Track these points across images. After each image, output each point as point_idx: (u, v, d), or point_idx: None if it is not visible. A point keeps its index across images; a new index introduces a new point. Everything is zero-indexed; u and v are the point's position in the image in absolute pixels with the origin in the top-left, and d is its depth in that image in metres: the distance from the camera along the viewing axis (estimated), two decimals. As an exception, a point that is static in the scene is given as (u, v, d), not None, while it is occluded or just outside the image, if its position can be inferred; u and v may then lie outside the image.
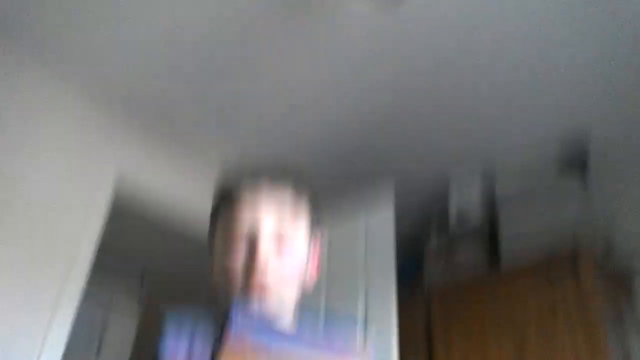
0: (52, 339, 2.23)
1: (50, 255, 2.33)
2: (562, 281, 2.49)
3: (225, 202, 0.96)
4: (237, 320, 0.60)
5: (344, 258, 2.68)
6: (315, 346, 0.57)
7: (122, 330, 4.45)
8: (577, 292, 2.42)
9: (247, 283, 0.88)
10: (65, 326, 2.29)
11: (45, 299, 2.26)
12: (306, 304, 1.03)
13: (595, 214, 2.76)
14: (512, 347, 2.51)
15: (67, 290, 2.34)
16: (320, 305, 2.58)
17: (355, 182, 3.15)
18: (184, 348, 0.93)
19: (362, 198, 2.85)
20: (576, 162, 2.86)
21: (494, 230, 2.92)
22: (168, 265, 4.26)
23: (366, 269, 2.67)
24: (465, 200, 3.07)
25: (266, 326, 0.60)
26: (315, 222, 1.00)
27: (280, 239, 0.91)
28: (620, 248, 2.74)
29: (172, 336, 0.96)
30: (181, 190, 2.93)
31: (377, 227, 2.73)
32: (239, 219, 0.92)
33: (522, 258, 2.66)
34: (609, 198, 2.89)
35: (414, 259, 3.19)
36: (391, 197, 2.78)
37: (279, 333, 0.60)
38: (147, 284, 4.63)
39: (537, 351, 2.42)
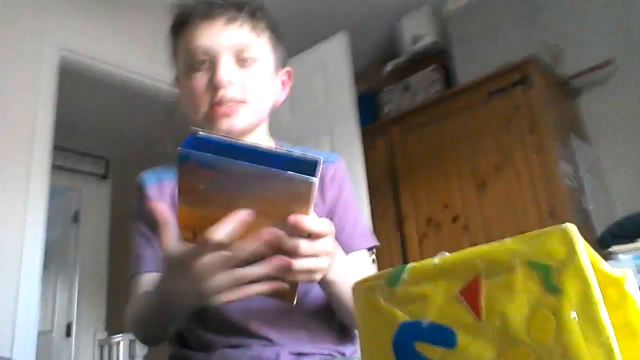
0: (33, 210, 2.29)
1: (12, 135, 2.30)
2: (514, 90, 2.59)
3: (182, 25, 0.94)
4: (189, 143, 0.52)
5: (304, 97, 2.71)
6: (269, 157, 0.53)
7: (97, 199, 4.53)
8: (528, 100, 2.54)
9: (212, 100, 0.89)
10: (41, 201, 2.34)
11: (18, 176, 2.27)
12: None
13: (547, 27, 2.81)
14: (470, 163, 2.68)
15: (35, 167, 2.35)
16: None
17: (309, 22, 3.07)
18: (168, 193, 0.98)
19: (318, 36, 2.81)
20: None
21: (449, 54, 2.95)
22: (128, 128, 4.24)
23: (327, 106, 2.72)
24: (418, 28, 3.04)
25: (220, 142, 0.53)
26: (279, 44, 0.98)
27: (241, 52, 0.90)
28: (570, 59, 2.83)
29: (153, 185, 1.00)
30: (127, 50, 2.81)
31: (334, 61, 2.73)
32: (197, 37, 0.91)
33: (478, 79, 2.72)
34: (561, 10, 2.92)
35: (372, 90, 3.23)
36: (345, 38, 2.76)
37: (230, 146, 0.53)
38: (113, 150, 4.63)
39: (493, 161, 2.60)
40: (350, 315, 0.86)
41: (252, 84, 0.91)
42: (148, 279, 0.92)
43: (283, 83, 1.02)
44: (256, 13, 0.93)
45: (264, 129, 1.02)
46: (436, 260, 0.44)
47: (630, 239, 1.88)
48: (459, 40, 2.87)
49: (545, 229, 0.42)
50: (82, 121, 4.13)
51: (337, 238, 0.88)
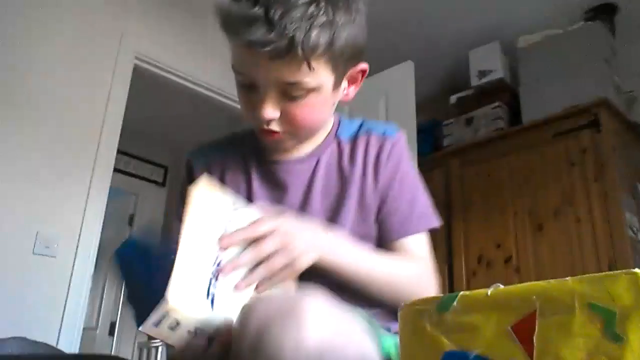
0: (92, 210, 2.36)
1: (79, 135, 2.40)
2: (582, 133, 2.50)
3: (225, 32, 0.82)
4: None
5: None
6: None
7: (152, 205, 4.65)
8: (596, 144, 2.44)
9: (257, 131, 0.90)
10: (101, 201, 2.41)
11: (81, 175, 2.36)
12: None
13: (619, 65, 2.70)
14: (528, 203, 2.59)
15: (99, 169, 2.43)
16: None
17: (376, 50, 3.07)
18: (217, 176, 0.99)
19: (384, 65, 2.82)
20: (603, 7, 2.74)
21: (516, 90, 2.89)
22: (190, 138, 4.35)
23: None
24: (486, 62, 2.99)
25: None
26: (342, 57, 0.83)
27: (288, 87, 0.81)
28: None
29: (201, 169, 1.01)
30: (199, 63, 2.90)
31: (398, 88, 2.72)
32: (240, 60, 0.83)
33: (544, 118, 2.64)
34: (637, 55, 2.82)
35: (434, 121, 3.19)
36: (411, 67, 2.76)
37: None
38: (172, 158, 4.76)
39: (553, 204, 2.51)
40: (383, 295, 0.87)
41: (301, 116, 0.85)
42: None
43: (353, 81, 0.93)
44: (311, 43, 0.76)
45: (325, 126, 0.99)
46: (489, 291, 0.42)
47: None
48: (527, 78, 2.80)
49: (611, 272, 0.39)
50: (146, 127, 4.27)
51: (390, 220, 0.93)
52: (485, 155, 2.83)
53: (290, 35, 0.74)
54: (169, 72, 2.78)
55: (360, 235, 0.91)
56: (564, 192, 2.49)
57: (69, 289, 2.23)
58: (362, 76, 0.93)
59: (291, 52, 0.76)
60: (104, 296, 4.48)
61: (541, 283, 0.41)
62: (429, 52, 3.12)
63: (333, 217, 0.92)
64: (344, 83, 0.91)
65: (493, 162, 2.78)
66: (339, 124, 1.01)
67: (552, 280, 0.40)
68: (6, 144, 2.17)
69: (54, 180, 2.28)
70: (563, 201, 2.48)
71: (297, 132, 0.88)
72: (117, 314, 4.35)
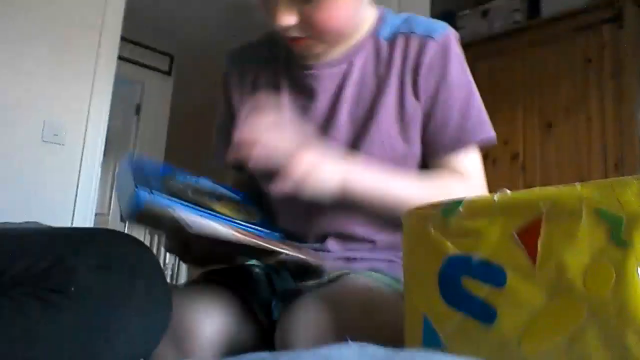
0: (97, 98, 2.35)
1: (82, 22, 2.33)
2: (602, 28, 2.39)
3: None
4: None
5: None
6: None
7: (159, 94, 4.61)
8: (616, 40, 2.34)
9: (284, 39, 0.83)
10: (106, 90, 2.39)
11: (85, 63, 2.33)
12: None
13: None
14: (539, 101, 2.54)
15: (103, 56, 2.38)
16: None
17: None
18: (248, 87, 0.95)
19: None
20: None
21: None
22: (196, 27, 4.22)
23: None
24: None
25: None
26: None
27: None
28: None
29: (235, 73, 0.98)
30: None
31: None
32: None
33: (564, 12, 2.50)
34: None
35: (449, 11, 3.05)
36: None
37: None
38: (179, 47, 4.65)
39: (564, 101, 2.46)
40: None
41: (322, 19, 0.78)
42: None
43: None
44: None
45: (360, 24, 0.88)
46: (496, 197, 0.42)
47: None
48: None
49: (621, 178, 0.38)
50: (152, 15, 4.13)
51: (438, 135, 0.83)
52: (499, 50, 2.72)
53: None
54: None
55: (401, 154, 0.84)
56: (577, 90, 2.43)
57: (79, 175, 2.27)
58: None
59: None
60: (114, 183, 4.58)
61: (549, 189, 0.40)
62: None
63: (363, 129, 0.84)
64: None
65: (507, 57, 2.69)
66: (381, 21, 0.89)
67: (560, 186, 0.40)
68: (9, 34, 2.12)
69: (59, 68, 2.24)
70: (575, 99, 2.42)
71: (322, 36, 0.81)
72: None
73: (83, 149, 2.29)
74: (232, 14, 3.85)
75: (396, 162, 0.83)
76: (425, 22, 0.87)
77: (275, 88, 0.92)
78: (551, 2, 2.58)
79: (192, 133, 4.72)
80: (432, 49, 0.83)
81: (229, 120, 0.95)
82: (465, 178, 0.84)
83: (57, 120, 2.22)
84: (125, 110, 4.53)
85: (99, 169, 2.36)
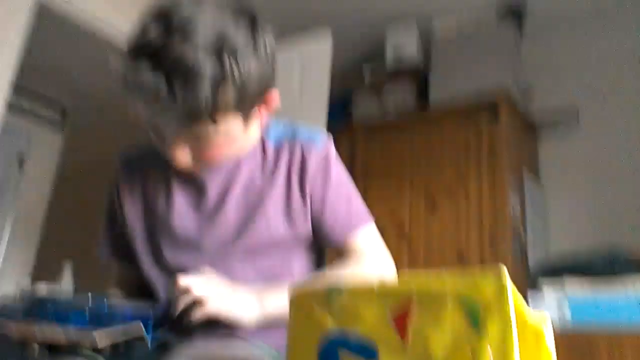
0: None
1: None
2: (480, 117, 2.67)
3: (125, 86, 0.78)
4: None
5: (279, 84, 2.70)
6: None
7: (47, 147, 4.39)
8: (491, 129, 2.62)
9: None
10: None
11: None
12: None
13: (522, 66, 2.90)
14: (425, 180, 2.75)
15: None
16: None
17: (293, 21, 3.04)
18: (138, 188, 1.01)
19: (300, 34, 2.81)
20: (514, 13, 2.90)
21: (427, 72, 2.99)
22: (90, 79, 4.12)
23: (301, 97, 2.72)
24: (402, 41, 3.07)
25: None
26: (249, 90, 0.79)
27: (196, 140, 0.82)
28: (540, 102, 2.93)
29: (126, 177, 1.03)
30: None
31: (313, 60, 2.73)
32: (142, 114, 0.81)
33: (449, 101, 2.79)
34: (538, 54, 3.01)
35: (346, 98, 3.23)
36: (328, 35, 2.76)
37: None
38: (70, 102, 4.48)
39: (447, 181, 2.67)
40: None
41: (212, 154, 0.86)
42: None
43: (265, 105, 0.88)
44: (219, 107, 0.76)
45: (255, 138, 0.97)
46: (375, 285, 0.47)
47: (558, 275, 1.99)
48: (438, 61, 2.93)
49: (483, 269, 0.45)
50: (44, 63, 3.98)
51: (332, 229, 0.96)
52: (390, 132, 2.95)
53: (197, 106, 0.74)
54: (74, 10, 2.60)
55: (285, 236, 0.94)
56: (458, 171, 2.66)
57: None
58: (274, 98, 0.89)
59: (198, 119, 0.77)
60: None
61: (421, 276, 0.46)
62: (346, 21, 3.14)
63: (250, 216, 0.93)
64: (255, 111, 0.87)
65: (396, 137, 2.91)
66: (266, 127, 0.99)
67: (431, 273, 0.46)
68: None
69: None
70: (456, 180, 2.65)
71: (211, 165, 0.91)
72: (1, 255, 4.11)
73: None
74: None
75: (281, 243, 0.95)
76: (307, 131, 0.99)
77: (167, 184, 0.98)
78: (439, 91, 2.85)
79: (80, 191, 4.52)
80: (315, 157, 0.95)
81: (115, 215, 1.03)
82: (359, 258, 0.97)
83: None
84: (8, 160, 4.25)
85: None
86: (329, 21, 2.94)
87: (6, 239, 4.14)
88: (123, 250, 1.02)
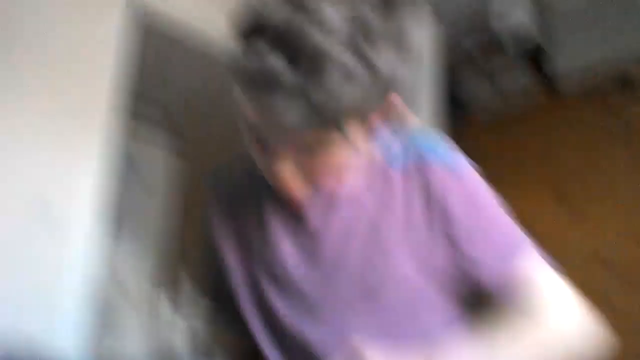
0: (99, 175, 2.26)
1: (82, 93, 2.23)
2: (620, 107, 2.33)
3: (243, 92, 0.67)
4: None
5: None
6: None
7: (168, 172, 4.57)
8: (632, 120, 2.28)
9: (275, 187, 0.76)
10: (107, 162, 2.30)
11: (85, 138, 2.21)
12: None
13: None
14: (553, 185, 2.47)
15: (96, 120, 2.21)
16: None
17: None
18: (231, 218, 0.89)
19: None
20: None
21: (543, 44, 2.64)
22: (208, 102, 4.23)
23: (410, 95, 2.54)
24: (514, 15, 2.62)
25: None
26: (373, 97, 0.65)
27: (306, 147, 0.67)
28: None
29: (217, 205, 0.91)
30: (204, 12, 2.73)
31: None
32: (253, 118, 0.68)
33: (579, 82, 2.45)
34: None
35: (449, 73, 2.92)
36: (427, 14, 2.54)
37: None
38: (187, 127, 4.64)
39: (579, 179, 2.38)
40: None
41: (321, 170, 0.71)
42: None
43: (384, 112, 0.71)
44: (350, 110, 0.62)
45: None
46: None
47: None
48: (558, 30, 2.54)
49: None
50: (161, 93, 4.15)
51: (481, 261, 0.76)
52: (512, 123, 2.69)
53: (323, 99, 0.59)
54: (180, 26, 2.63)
55: (425, 283, 0.77)
56: (595, 163, 2.36)
57: (70, 257, 2.12)
58: (395, 104, 0.73)
59: (320, 117, 0.61)
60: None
61: None
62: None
63: (372, 258, 0.77)
64: (372, 117, 0.72)
65: (520, 130, 2.65)
66: (383, 145, 0.82)
67: None
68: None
69: (56, 141, 2.10)
70: (593, 172, 2.36)
71: (320, 186, 0.75)
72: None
73: (81, 227, 2.16)
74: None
75: (413, 293, 0.77)
76: (433, 147, 0.81)
77: (262, 215, 0.85)
78: (561, 65, 2.50)
79: (195, 207, 4.64)
80: (453, 181, 0.77)
81: (211, 250, 0.91)
82: (529, 309, 0.73)
83: (44, 196, 2.07)
84: (136, 188, 4.49)
85: (90, 250, 2.23)
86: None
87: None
88: (222, 291, 0.90)
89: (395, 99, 0.71)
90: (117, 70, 2.32)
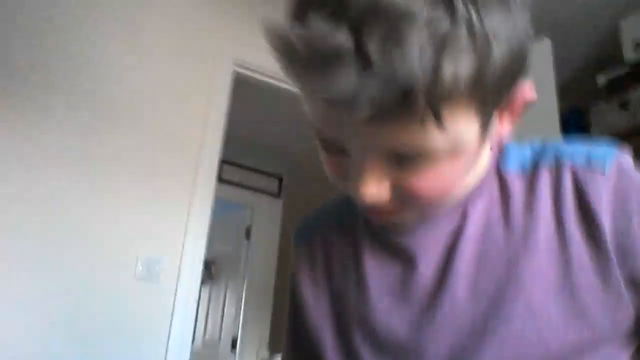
0: (194, 229, 2.21)
1: (179, 149, 2.26)
2: None
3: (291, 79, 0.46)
4: None
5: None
6: None
7: (269, 216, 4.54)
8: None
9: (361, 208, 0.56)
10: (204, 215, 2.26)
11: (182, 193, 2.22)
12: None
13: None
14: None
15: (201, 181, 2.28)
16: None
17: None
18: (321, 270, 0.70)
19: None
20: None
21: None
22: (301, 145, 4.17)
23: (527, 121, 2.28)
24: None
25: None
26: (502, 75, 0.42)
27: (398, 149, 0.45)
28: None
29: (304, 258, 0.73)
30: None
31: (535, 70, 2.29)
32: (317, 116, 0.48)
33: None
34: None
35: (578, 109, 2.69)
36: (548, 41, 2.30)
37: None
38: (286, 167, 4.62)
39: None
40: None
41: (424, 188, 0.49)
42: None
43: (512, 106, 0.52)
44: (442, 86, 0.39)
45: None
46: None
47: None
48: None
49: None
50: (256, 136, 4.17)
51: None
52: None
53: (404, 78, 0.38)
54: (270, 76, 2.59)
55: (572, 343, 0.50)
56: None
57: (172, 314, 2.08)
58: (523, 103, 0.52)
59: (406, 108, 0.40)
60: (225, 310, 4.43)
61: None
62: (568, 27, 2.62)
63: (497, 309, 0.52)
64: (495, 123, 0.51)
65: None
66: (502, 153, 0.61)
67: None
68: (97, 160, 2.08)
69: (153, 199, 2.15)
70: None
71: (418, 205, 0.52)
72: (239, 328, 4.26)
73: (177, 284, 2.11)
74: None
75: (562, 350, 0.49)
76: (578, 148, 0.57)
77: (354, 258, 0.65)
78: None
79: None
80: (607, 183, 0.53)
81: (297, 310, 0.71)
82: None
83: (151, 254, 2.09)
84: (236, 234, 4.49)
85: (194, 305, 2.16)
86: (546, 29, 2.46)
87: (242, 311, 4.29)
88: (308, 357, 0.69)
89: (527, 89, 0.50)
90: (213, 128, 2.37)
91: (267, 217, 4.53)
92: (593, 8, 2.55)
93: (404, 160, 0.46)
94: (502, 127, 0.53)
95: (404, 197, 0.50)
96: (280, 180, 4.64)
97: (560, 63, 2.31)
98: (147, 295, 2.05)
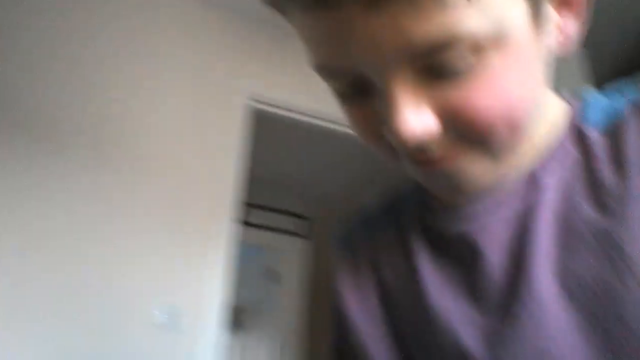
0: (214, 275, 2.11)
1: (195, 191, 2.19)
2: None
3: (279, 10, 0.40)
4: None
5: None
6: None
7: (297, 259, 4.41)
8: None
9: (406, 168, 0.44)
10: (225, 260, 2.16)
11: (201, 238, 2.13)
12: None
13: None
14: None
15: (220, 221, 2.19)
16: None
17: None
18: (369, 276, 0.59)
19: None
20: None
21: None
22: (328, 183, 4.08)
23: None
24: None
25: None
26: None
27: (426, 57, 0.34)
28: None
29: (347, 267, 0.61)
30: (312, 99, 2.60)
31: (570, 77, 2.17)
32: (314, 49, 0.38)
33: None
34: None
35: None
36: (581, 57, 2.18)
37: None
38: (312, 211, 4.52)
39: None
40: None
41: (477, 104, 0.36)
42: None
43: (565, 3, 0.40)
44: None
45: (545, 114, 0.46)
46: None
47: None
48: None
49: None
50: (286, 179, 4.11)
51: None
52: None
53: None
54: (289, 110, 2.52)
55: None
56: None
57: (193, 356, 1.96)
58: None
59: None
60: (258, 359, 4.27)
61: None
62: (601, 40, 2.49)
63: (601, 299, 0.38)
64: (549, 9, 0.39)
65: None
66: (582, 106, 0.48)
67: None
68: (115, 210, 2.01)
69: (171, 245, 2.06)
70: None
71: (481, 138, 0.38)
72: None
73: (198, 332, 2.00)
74: (360, 155, 3.66)
75: None
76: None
77: (406, 261, 0.53)
78: None
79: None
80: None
81: (343, 333, 0.58)
82: None
83: (170, 303, 1.98)
84: (263, 278, 4.36)
85: (218, 354, 2.03)
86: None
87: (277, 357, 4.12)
88: None
89: None
90: (235, 172, 2.30)
91: (296, 260, 4.40)
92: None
93: (439, 69, 0.35)
94: (564, 20, 0.40)
95: (457, 124, 0.37)
96: (309, 221, 4.52)
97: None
98: (167, 343, 1.94)
